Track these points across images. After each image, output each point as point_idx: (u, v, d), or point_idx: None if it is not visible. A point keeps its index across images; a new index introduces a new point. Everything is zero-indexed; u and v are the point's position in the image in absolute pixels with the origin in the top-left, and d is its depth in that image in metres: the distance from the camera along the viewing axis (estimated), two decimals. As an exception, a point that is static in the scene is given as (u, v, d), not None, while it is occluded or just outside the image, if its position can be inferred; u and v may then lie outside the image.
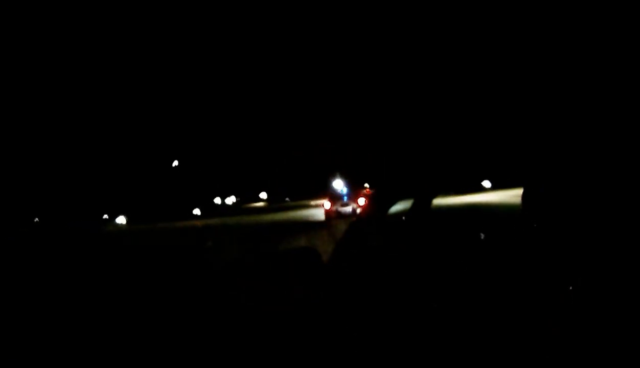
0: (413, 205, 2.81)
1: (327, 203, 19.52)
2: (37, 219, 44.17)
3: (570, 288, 1.02)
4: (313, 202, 49.38)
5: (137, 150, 56.10)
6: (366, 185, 63.88)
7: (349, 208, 18.76)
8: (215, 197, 73.37)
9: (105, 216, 43.10)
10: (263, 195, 75.32)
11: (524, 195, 1.73)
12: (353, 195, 19.38)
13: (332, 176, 58.74)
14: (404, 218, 2.98)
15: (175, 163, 67.94)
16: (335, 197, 19.84)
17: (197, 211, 45.49)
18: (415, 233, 2.64)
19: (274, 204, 60.85)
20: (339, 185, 57.35)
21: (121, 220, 41.28)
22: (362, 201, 17.59)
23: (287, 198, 68.44)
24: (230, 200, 74.67)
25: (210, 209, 49.90)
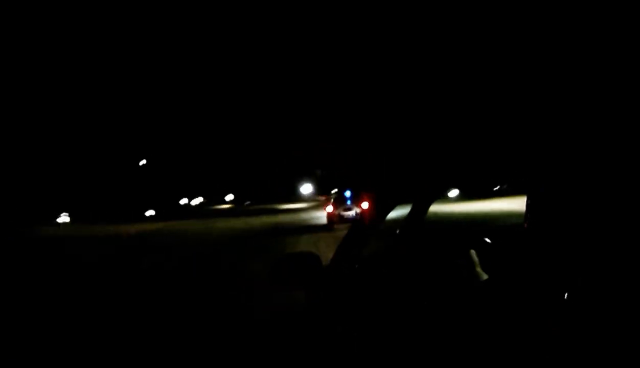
0: (410, 214, 2.32)
1: (329, 207, 17.83)
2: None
3: (569, 289, 0.98)
4: (284, 206, 47.34)
5: (101, 147, 52.99)
6: (335, 190, 62.43)
7: (352, 212, 17.24)
8: (181, 197, 70.60)
9: (65, 214, 39.25)
10: (229, 197, 72.77)
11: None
12: (357, 198, 17.64)
13: (302, 180, 57.60)
14: (398, 231, 2.35)
15: (143, 162, 65.02)
16: (338, 201, 18.07)
17: (150, 212, 41.54)
18: (411, 248, 2.19)
19: (240, 207, 58.18)
20: (307, 189, 56.31)
21: (64, 219, 37.17)
22: (365, 205, 16.72)
23: (247, 202, 65.47)
24: (197, 201, 71.78)
25: (169, 210, 46.42)
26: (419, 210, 2.28)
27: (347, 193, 17.98)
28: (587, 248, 1.05)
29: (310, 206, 43.49)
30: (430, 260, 1.97)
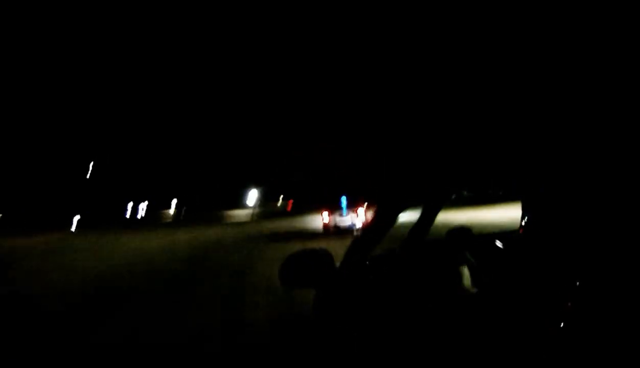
0: (417, 222, 2.36)
1: (325, 215, 16.99)
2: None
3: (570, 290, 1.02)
4: (230, 214, 45.12)
5: (34, 145, 49.50)
6: (282, 197, 60.75)
7: (348, 221, 16.57)
8: (129, 203, 67.23)
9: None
10: (173, 204, 69.85)
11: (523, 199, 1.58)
12: (353, 206, 16.94)
13: (247, 188, 55.54)
14: (397, 249, 2.37)
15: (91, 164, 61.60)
16: (333, 208, 17.12)
17: (76, 220, 37.73)
18: (411, 271, 2.09)
19: (179, 215, 54.80)
20: (253, 198, 54.44)
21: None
22: (361, 212, 16.41)
23: (182, 210, 62.12)
24: (142, 208, 68.66)
25: (106, 218, 43.15)
26: (427, 218, 2.22)
27: (343, 201, 17.10)
28: (584, 252, 1.02)
29: (258, 213, 41.39)
30: (424, 271, 1.93)
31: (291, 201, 56.69)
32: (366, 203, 16.93)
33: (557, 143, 1.27)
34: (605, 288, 0.95)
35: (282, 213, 40.37)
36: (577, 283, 0.97)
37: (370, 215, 13.44)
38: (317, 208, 17.28)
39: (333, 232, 16.14)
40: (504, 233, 2.33)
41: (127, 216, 52.67)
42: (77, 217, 34.66)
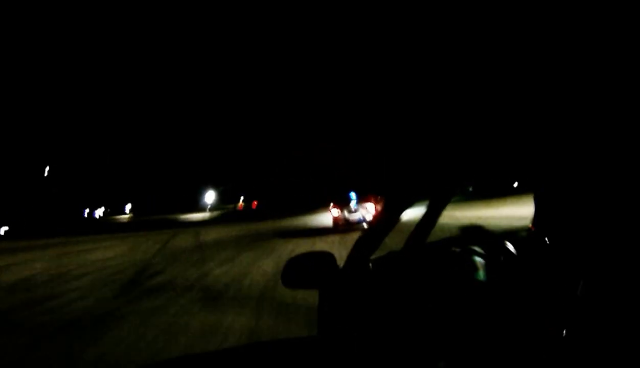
0: (423, 217, 2.30)
1: (334, 210, 16.45)
2: None
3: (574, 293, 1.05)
4: (185, 217, 42.16)
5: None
6: (242, 197, 58.24)
7: (357, 215, 15.97)
8: (85, 207, 64.42)
9: None
10: (128, 207, 66.85)
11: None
12: (362, 200, 16.42)
13: (205, 189, 52.90)
14: (401, 249, 2.27)
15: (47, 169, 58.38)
16: (343, 203, 16.42)
17: (4, 228, 34.20)
18: (415, 271, 1.96)
19: (136, 217, 51.41)
20: (210, 198, 51.93)
21: None
22: (371, 207, 16.00)
23: (128, 212, 58.72)
24: (99, 212, 65.76)
25: (50, 224, 39.64)
26: (433, 213, 2.29)
27: (352, 195, 16.57)
28: (593, 249, 1.02)
29: (213, 216, 38.68)
30: (432, 265, 1.92)
31: (255, 202, 54.37)
32: (375, 198, 16.45)
33: (565, 138, 1.23)
34: (613, 289, 0.93)
35: (241, 216, 37.45)
36: (583, 283, 0.95)
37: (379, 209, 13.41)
38: (290, 213, 15.90)
39: (342, 226, 15.42)
40: (513, 232, 2.20)
41: (80, 222, 49.39)
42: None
